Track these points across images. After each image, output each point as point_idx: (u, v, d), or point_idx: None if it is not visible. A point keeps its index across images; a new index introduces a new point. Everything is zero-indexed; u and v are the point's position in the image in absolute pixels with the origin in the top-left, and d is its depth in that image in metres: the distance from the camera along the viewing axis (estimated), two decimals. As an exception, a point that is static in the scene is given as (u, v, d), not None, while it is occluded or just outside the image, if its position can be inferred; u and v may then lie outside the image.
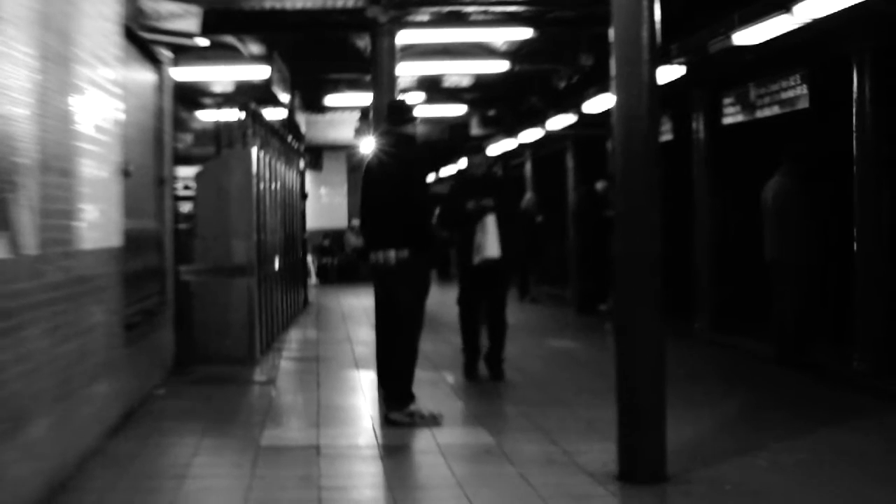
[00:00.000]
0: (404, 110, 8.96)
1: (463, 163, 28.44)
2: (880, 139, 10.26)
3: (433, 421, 8.39)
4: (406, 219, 8.48)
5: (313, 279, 25.64)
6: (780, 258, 11.08)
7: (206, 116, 18.54)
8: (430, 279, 8.83)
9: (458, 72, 18.75)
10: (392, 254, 8.41)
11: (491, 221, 10.25)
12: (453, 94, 21.23)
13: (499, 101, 22.54)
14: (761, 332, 12.19)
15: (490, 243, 10.25)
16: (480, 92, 21.49)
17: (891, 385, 9.72)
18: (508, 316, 10.83)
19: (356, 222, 25.62)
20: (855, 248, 10.46)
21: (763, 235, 11.39)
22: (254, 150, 12.35)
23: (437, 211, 10.24)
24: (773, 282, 11.31)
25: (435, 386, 10.11)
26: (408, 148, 8.74)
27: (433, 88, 20.27)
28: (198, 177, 12.36)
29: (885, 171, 10.29)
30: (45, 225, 6.26)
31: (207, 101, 18.17)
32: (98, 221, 7.66)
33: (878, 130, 10.25)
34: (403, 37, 12.16)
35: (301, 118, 22.11)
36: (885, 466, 7.12)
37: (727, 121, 13.90)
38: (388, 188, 8.52)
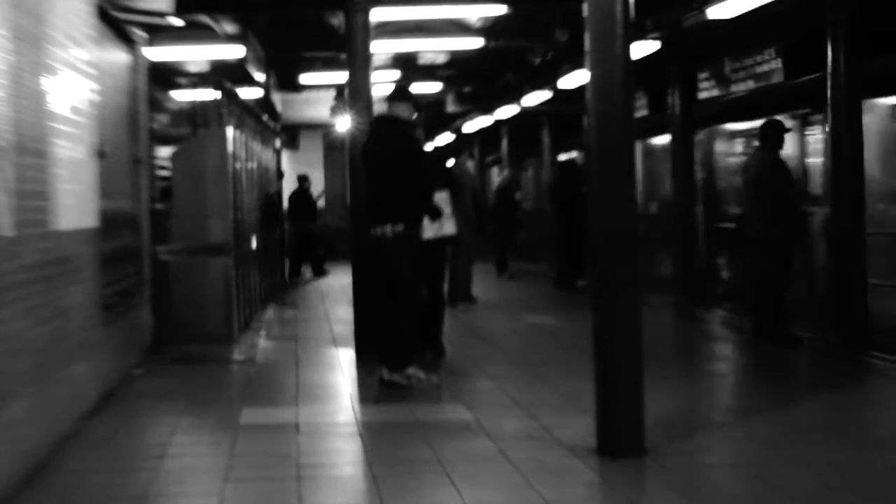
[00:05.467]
0: (404, 93, 9.38)
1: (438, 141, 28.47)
2: (855, 112, 10.30)
3: (430, 384, 8.81)
4: (403, 196, 8.97)
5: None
6: (758, 233, 11.10)
7: (182, 96, 18.44)
8: (422, 250, 9.18)
9: (433, 49, 18.69)
10: (389, 228, 8.89)
11: (443, 197, 10.04)
12: (429, 72, 21.17)
13: (474, 78, 22.49)
14: (740, 306, 12.25)
15: (446, 219, 10.16)
16: (456, 69, 21.44)
17: (866, 357, 9.79)
18: (485, 292, 10.83)
19: None
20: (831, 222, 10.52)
21: (742, 210, 11.43)
22: (229, 130, 12.31)
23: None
24: (752, 256, 11.35)
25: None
26: (406, 130, 9.14)
27: (408, 66, 20.20)
28: (174, 157, 12.32)
29: (861, 145, 10.33)
30: (21, 206, 6.23)
31: (182, 81, 18.05)
32: (74, 202, 7.63)
33: (853, 103, 10.28)
34: (377, 14, 12.08)
35: (276, 97, 22.02)
36: (861, 436, 7.18)
37: (703, 95, 13.93)
38: (388, 169, 8.97)
